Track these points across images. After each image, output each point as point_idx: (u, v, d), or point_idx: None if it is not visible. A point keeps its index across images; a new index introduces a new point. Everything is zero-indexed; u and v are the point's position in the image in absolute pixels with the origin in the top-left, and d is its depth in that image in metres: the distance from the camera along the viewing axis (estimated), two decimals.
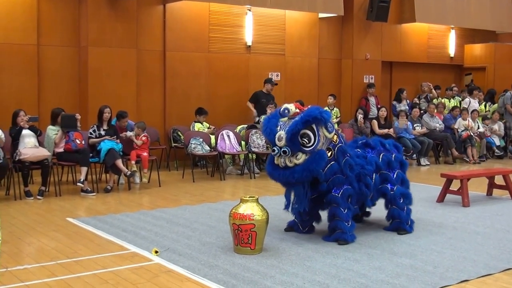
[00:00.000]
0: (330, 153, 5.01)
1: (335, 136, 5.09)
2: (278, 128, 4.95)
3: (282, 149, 4.83)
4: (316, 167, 4.85)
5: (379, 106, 11.65)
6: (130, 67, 9.52)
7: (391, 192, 5.44)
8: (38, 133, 7.47)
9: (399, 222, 5.52)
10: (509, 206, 6.97)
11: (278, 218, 5.82)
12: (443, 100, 12.78)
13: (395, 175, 5.49)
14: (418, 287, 4.00)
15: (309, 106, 5.11)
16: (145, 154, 8.19)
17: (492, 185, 7.64)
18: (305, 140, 4.85)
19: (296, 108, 4.98)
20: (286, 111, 4.96)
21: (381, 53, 12.68)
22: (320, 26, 11.83)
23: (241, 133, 9.54)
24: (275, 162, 4.98)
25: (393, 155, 5.56)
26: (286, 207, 5.30)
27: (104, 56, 9.23)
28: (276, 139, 4.90)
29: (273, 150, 4.92)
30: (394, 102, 12.30)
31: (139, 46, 9.66)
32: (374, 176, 5.34)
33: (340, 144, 5.13)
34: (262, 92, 10.43)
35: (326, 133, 4.94)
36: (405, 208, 5.54)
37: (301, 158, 4.84)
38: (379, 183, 5.39)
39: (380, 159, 5.46)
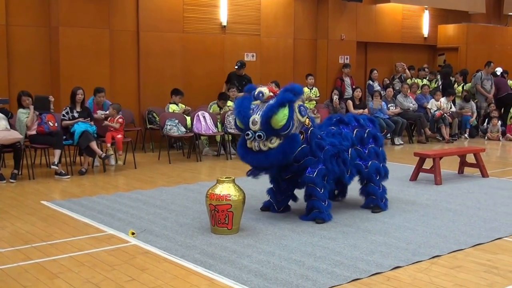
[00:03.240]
0: (302, 136, 5.01)
1: (307, 119, 5.10)
2: (251, 111, 4.89)
3: (257, 133, 4.80)
4: (290, 151, 4.86)
5: (354, 86, 11.73)
6: (103, 48, 9.34)
7: (365, 169, 5.51)
8: (9, 115, 7.33)
9: (374, 199, 5.61)
10: (480, 184, 7.15)
11: (254, 198, 5.87)
12: (416, 80, 12.94)
13: (367, 151, 5.55)
14: (391, 263, 4.10)
15: (286, 85, 5.04)
16: (119, 136, 8.11)
17: (463, 164, 7.81)
18: None
19: (270, 92, 4.92)
20: (260, 94, 4.90)
21: (356, 33, 12.72)
22: (295, 6, 11.78)
23: (212, 109, 9.48)
24: (248, 145, 4.94)
25: (367, 130, 5.61)
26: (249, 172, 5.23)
27: (76, 36, 9.02)
28: (250, 123, 4.84)
29: (247, 134, 4.87)
30: (370, 82, 12.41)
31: (112, 26, 9.47)
32: (350, 151, 5.39)
33: (312, 128, 5.13)
34: (235, 73, 10.39)
35: (300, 117, 4.92)
36: (380, 185, 5.64)
37: (275, 142, 4.82)
38: (355, 158, 5.44)
39: (354, 135, 5.51)
